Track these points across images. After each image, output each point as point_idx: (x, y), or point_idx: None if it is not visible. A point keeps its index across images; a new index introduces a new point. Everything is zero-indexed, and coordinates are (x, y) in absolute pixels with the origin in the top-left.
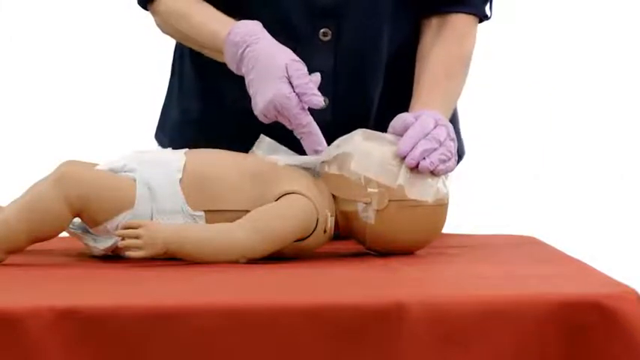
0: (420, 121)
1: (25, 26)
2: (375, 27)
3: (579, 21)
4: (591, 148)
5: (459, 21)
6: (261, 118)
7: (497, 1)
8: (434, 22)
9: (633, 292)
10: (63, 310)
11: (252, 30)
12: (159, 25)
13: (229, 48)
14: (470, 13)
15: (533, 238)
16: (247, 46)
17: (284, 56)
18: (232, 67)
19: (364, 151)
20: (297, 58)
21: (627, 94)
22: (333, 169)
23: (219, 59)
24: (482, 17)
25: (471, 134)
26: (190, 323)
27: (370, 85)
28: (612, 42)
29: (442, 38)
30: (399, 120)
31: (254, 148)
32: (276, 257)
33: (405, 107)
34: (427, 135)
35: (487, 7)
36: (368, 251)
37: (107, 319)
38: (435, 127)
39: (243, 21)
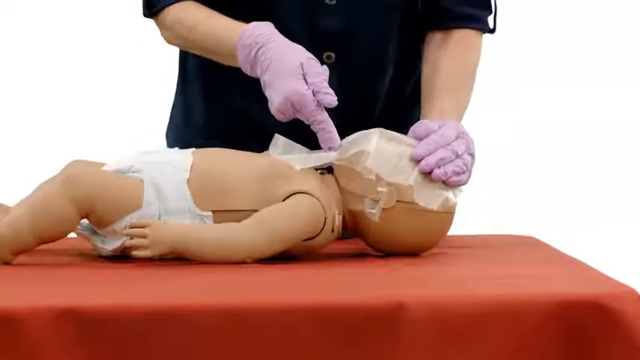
0: (442, 130)
1: (37, 26)
2: (380, 50)
3: (576, 23)
4: (591, 148)
5: (465, 35)
6: (277, 116)
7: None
8: (439, 36)
9: (633, 292)
10: (63, 310)
11: (264, 31)
12: (165, 37)
13: (242, 50)
14: (475, 28)
15: (533, 238)
16: (260, 47)
17: (299, 54)
18: (246, 69)
19: (381, 150)
20: (312, 56)
21: (626, 96)
22: (347, 162)
23: (233, 64)
24: (487, 31)
25: (471, 134)
26: (190, 323)
27: (372, 104)
28: (609, 43)
29: (448, 51)
30: (422, 125)
31: (270, 148)
32: (281, 257)
33: (405, 123)
34: (447, 145)
35: (491, 20)
36: (369, 251)
37: (107, 319)
38: (456, 139)
39: (254, 23)
